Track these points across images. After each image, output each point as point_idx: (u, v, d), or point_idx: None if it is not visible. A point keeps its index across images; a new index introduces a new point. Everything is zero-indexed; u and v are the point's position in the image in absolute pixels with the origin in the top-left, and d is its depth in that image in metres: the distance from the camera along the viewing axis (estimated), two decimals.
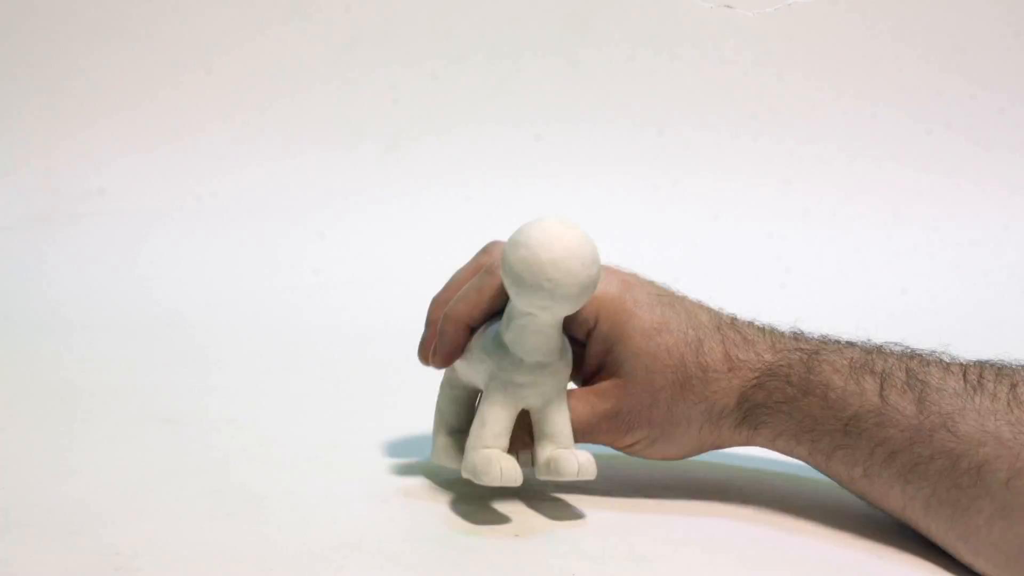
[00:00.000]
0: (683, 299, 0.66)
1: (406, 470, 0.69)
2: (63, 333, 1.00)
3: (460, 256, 1.17)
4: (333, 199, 1.23)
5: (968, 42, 1.26)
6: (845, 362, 0.63)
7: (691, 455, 0.67)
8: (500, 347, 0.62)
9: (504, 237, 0.62)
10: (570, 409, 0.63)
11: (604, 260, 0.61)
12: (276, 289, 1.12)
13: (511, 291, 0.60)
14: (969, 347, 1.02)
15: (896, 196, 1.21)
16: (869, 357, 0.63)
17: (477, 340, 0.64)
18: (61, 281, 1.12)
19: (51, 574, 0.55)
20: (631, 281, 0.66)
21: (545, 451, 0.63)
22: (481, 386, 0.64)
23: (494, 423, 0.62)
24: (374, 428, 0.77)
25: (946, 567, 0.59)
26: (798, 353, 0.64)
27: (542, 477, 0.62)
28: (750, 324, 0.66)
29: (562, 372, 0.63)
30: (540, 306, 0.60)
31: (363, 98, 1.27)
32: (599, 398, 0.64)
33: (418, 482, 0.67)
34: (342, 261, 1.17)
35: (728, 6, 1.26)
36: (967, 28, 1.26)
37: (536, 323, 0.61)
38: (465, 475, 0.62)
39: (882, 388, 0.61)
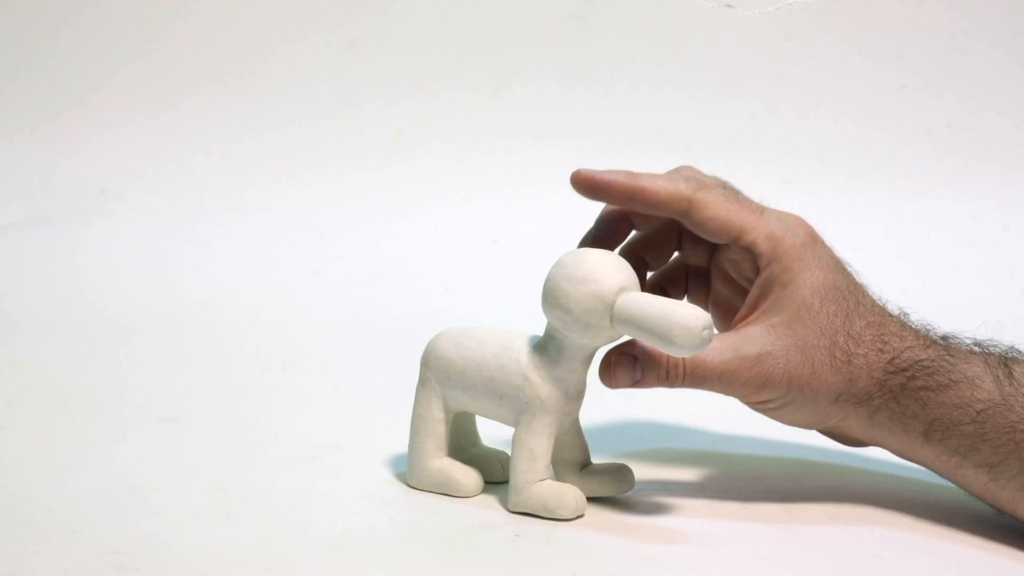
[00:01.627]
0: (853, 275, 0.66)
1: (406, 470, 0.69)
2: (63, 333, 1.00)
3: (460, 256, 1.16)
4: (333, 198, 1.23)
5: (968, 42, 1.25)
6: (979, 363, 0.63)
7: (814, 428, 0.66)
8: (558, 381, 0.62)
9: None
10: (709, 351, 0.61)
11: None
12: (276, 289, 1.12)
13: (577, 327, 0.60)
14: None
15: (896, 196, 1.21)
16: (999, 360, 0.63)
17: (498, 372, 0.63)
18: (61, 281, 1.12)
19: (51, 574, 0.55)
20: (817, 236, 0.65)
21: (589, 469, 0.64)
22: (496, 416, 0.64)
23: (544, 454, 0.62)
24: (374, 428, 0.77)
25: (948, 567, 0.59)
26: (939, 351, 0.63)
27: (603, 494, 0.64)
28: (902, 316, 0.66)
29: (584, 395, 0.64)
30: (611, 337, 0.61)
31: (363, 98, 1.27)
32: (744, 342, 0.62)
33: (404, 481, 0.67)
34: (342, 261, 1.17)
35: (728, 6, 1.26)
36: (967, 28, 1.26)
37: (590, 353, 0.62)
38: (521, 510, 0.62)
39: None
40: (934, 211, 1.20)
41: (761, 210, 0.66)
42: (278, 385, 0.88)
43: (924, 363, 0.63)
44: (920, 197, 1.21)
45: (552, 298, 0.61)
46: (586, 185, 0.65)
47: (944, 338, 0.65)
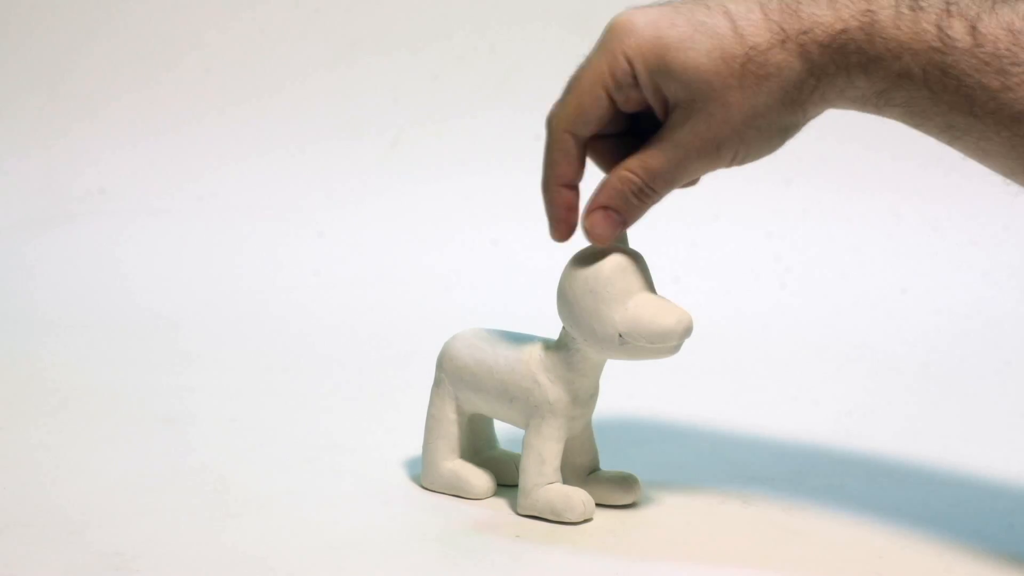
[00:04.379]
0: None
1: (406, 470, 0.69)
2: (62, 333, 1.00)
3: (460, 257, 1.16)
4: (333, 199, 1.23)
5: None
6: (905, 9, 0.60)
7: (788, 140, 0.63)
8: (568, 384, 0.62)
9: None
10: (650, 159, 0.61)
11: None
12: (276, 289, 1.12)
13: (591, 347, 0.61)
14: (969, 347, 1.02)
15: (896, 196, 1.21)
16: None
17: (508, 375, 0.63)
18: (60, 281, 1.12)
19: (51, 574, 0.55)
20: (653, 15, 0.62)
21: (596, 476, 0.64)
22: (507, 419, 0.64)
23: (553, 458, 0.62)
24: (374, 428, 0.77)
25: (949, 567, 0.59)
26: (853, 8, 0.60)
27: (606, 502, 0.63)
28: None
29: (596, 399, 0.64)
30: (624, 355, 0.61)
31: (363, 98, 1.27)
32: (673, 132, 0.60)
33: (418, 482, 0.67)
34: (342, 261, 1.17)
35: None
36: None
37: (601, 360, 0.62)
38: (528, 513, 0.62)
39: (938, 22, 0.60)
40: (934, 211, 1.20)
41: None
42: (278, 385, 0.88)
43: (842, 31, 0.59)
44: (920, 197, 1.21)
45: (567, 313, 0.61)
46: (558, 228, 0.68)
47: None
